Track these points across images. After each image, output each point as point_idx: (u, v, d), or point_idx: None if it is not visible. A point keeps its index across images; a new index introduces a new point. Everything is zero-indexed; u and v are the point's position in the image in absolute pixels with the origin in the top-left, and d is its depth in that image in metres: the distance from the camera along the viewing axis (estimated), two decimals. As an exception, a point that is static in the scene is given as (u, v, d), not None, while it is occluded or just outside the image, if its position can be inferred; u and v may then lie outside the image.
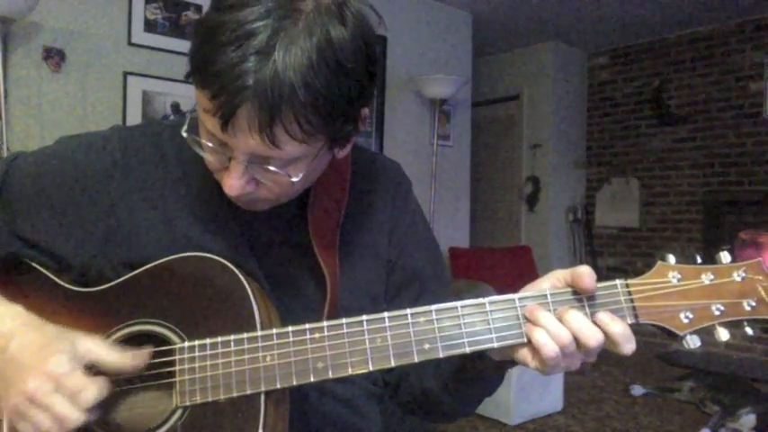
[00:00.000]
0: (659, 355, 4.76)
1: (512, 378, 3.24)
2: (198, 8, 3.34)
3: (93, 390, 0.66)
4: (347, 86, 0.64)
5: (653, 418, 3.43)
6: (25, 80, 2.85)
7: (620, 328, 0.62)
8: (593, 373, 4.27)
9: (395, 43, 4.21)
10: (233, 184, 0.69)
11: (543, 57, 5.48)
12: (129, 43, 3.14)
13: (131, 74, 3.13)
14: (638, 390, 3.84)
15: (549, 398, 3.47)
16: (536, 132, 5.54)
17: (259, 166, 0.68)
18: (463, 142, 4.74)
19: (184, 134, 0.71)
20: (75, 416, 0.66)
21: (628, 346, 0.62)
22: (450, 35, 4.58)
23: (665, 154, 5.20)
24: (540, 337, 0.62)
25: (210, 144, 0.69)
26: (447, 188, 4.53)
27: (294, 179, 0.69)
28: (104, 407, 0.70)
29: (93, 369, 0.70)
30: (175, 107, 3.27)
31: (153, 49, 3.17)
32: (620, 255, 5.47)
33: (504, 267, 4.38)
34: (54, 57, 2.92)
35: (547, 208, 5.46)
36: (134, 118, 3.12)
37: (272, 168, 0.67)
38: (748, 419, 3.16)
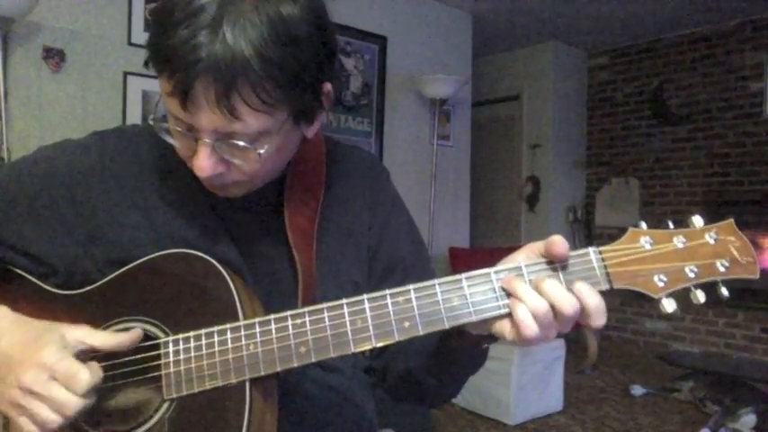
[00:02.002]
0: (659, 355, 4.75)
1: (512, 378, 3.23)
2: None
3: (86, 373, 0.68)
4: (302, 56, 0.66)
5: (653, 418, 3.42)
6: (25, 80, 2.86)
7: (596, 301, 0.63)
8: (593, 373, 4.26)
9: (395, 43, 4.22)
10: (202, 165, 0.69)
11: (543, 57, 5.48)
12: (129, 43, 3.15)
13: (131, 74, 3.14)
14: (638, 390, 3.84)
15: (549, 398, 3.46)
16: (536, 132, 5.55)
17: (226, 144, 0.69)
18: (463, 142, 4.74)
19: (151, 122, 0.73)
20: (74, 400, 0.67)
21: (600, 318, 0.63)
22: (450, 35, 4.59)
23: (665, 154, 5.19)
24: (520, 312, 0.63)
25: (178, 128, 0.70)
26: (447, 188, 4.53)
27: (261, 151, 0.70)
28: (97, 399, 0.71)
29: (85, 356, 0.71)
30: (175, 107, 3.27)
31: (153, 48, 3.17)
32: (620, 255, 5.45)
33: (504, 267, 4.36)
34: (54, 57, 2.93)
35: (547, 208, 5.46)
36: (134, 118, 3.13)
37: (238, 143, 0.68)
38: (748, 419, 3.15)
